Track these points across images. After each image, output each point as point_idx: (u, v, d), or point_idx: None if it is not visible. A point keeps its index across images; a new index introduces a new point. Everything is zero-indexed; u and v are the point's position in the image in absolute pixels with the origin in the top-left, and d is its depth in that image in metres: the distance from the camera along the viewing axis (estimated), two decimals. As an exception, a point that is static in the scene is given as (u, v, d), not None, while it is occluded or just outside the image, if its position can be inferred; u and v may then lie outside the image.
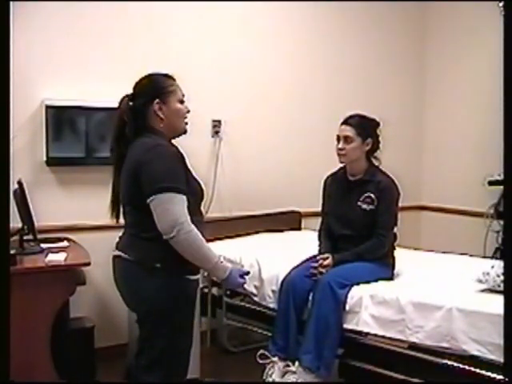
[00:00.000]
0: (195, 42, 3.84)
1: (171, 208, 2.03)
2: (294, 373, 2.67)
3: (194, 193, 2.20)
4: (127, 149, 2.19)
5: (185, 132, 2.28)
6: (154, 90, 2.21)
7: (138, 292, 2.16)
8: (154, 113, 2.19)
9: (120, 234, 2.28)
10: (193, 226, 2.06)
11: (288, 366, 2.71)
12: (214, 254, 2.16)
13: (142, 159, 2.09)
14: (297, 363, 2.69)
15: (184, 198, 2.07)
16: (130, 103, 2.21)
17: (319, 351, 2.64)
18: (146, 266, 2.13)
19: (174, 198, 2.04)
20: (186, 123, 2.27)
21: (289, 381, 2.68)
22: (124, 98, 2.23)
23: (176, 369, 2.26)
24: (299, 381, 2.66)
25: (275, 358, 2.77)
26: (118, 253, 2.22)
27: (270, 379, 2.74)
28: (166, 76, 2.27)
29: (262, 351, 2.82)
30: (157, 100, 2.18)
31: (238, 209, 3.98)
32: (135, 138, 2.18)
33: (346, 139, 2.89)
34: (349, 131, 2.89)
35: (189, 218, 2.06)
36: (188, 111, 2.27)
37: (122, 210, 2.28)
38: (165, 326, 2.16)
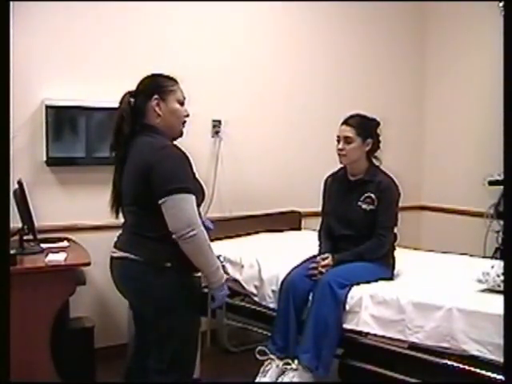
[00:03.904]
0: (195, 42, 3.84)
1: (185, 208, 2.06)
2: (295, 370, 2.67)
3: (197, 194, 2.21)
4: (127, 147, 2.19)
5: (181, 135, 2.29)
6: (154, 87, 2.24)
7: (148, 292, 2.15)
8: (152, 108, 2.20)
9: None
10: (202, 227, 2.10)
11: (288, 363, 2.71)
12: (216, 259, 2.21)
13: (151, 160, 2.10)
14: (296, 362, 2.69)
15: (194, 198, 2.10)
16: (131, 100, 2.23)
17: (318, 351, 2.64)
18: (155, 266, 2.13)
19: (187, 199, 2.07)
20: (183, 126, 2.29)
21: (288, 379, 2.68)
22: (125, 94, 2.25)
23: (187, 369, 2.27)
24: (298, 380, 2.65)
25: (273, 356, 2.77)
26: (122, 254, 2.20)
27: (265, 377, 2.73)
28: (168, 77, 2.29)
29: (260, 348, 2.81)
30: (155, 96, 2.20)
31: (238, 209, 3.98)
32: (135, 136, 2.19)
33: (346, 140, 2.88)
34: (349, 131, 2.89)
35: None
36: (187, 115, 2.28)
37: (124, 209, 2.27)
38: (178, 326, 2.17)
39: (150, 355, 2.23)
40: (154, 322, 2.19)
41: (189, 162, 2.18)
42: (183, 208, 2.06)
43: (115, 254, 2.24)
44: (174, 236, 2.08)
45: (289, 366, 2.69)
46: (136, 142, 2.18)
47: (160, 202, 2.07)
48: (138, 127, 2.22)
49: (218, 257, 3.37)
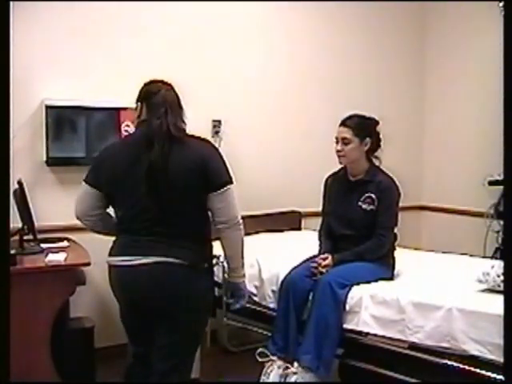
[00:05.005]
0: (196, 42, 3.84)
1: (235, 197, 2.17)
2: (295, 373, 2.67)
3: None
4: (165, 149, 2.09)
5: None
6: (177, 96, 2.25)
7: (189, 295, 2.11)
8: (183, 115, 2.23)
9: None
10: None
11: (288, 367, 2.71)
12: None
13: (204, 153, 2.13)
14: (296, 363, 2.69)
15: None
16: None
17: (318, 351, 2.64)
18: (197, 268, 2.13)
19: (234, 189, 2.17)
20: None
21: (290, 381, 2.68)
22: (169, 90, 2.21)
23: (190, 368, 2.27)
24: (299, 381, 2.65)
25: (274, 357, 2.77)
26: (157, 259, 2.08)
27: (268, 378, 2.74)
28: None
29: (261, 349, 2.81)
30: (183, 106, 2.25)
31: (238, 209, 3.97)
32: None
33: (344, 141, 2.88)
34: (346, 133, 2.88)
35: None
36: None
37: (145, 214, 2.12)
38: (202, 325, 2.25)
39: (158, 358, 2.18)
40: (186, 324, 2.13)
41: None
42: (235, 197, 2.16)
43: (138, 261, 2.10)
44: (223, 226, 2.13)
45: (289, 370, 2.69)
46: (173, 145, 2.09)
47: (220, 191, 2.11)
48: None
49: (218, 257, 3.40)
